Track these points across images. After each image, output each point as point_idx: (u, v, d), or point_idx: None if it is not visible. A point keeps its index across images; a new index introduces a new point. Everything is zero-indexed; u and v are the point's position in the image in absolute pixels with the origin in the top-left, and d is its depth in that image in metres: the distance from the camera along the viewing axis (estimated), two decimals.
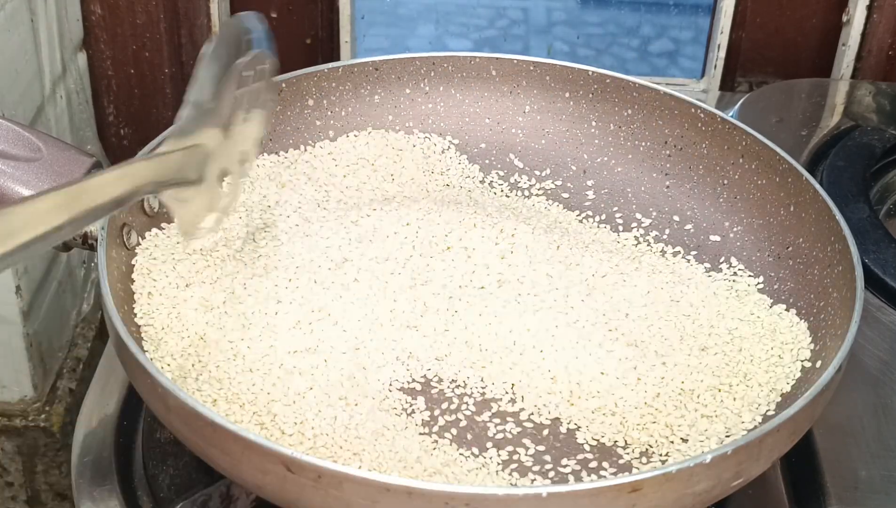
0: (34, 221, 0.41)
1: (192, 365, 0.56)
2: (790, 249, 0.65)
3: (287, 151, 0.72)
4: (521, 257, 0.65)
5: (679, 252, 0.67)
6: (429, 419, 0.55)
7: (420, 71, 0.75)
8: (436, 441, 0.54)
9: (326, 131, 0.73)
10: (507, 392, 0.57)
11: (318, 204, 0.68)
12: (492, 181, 0.73)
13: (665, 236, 0.69)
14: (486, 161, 0.74)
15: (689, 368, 0.58)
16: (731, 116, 0.70)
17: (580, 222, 0.70)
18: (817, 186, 0.63)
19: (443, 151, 0.74)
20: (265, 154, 0.71)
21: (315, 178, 0.70)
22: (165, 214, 0.64)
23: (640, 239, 0.68)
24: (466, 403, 0.56)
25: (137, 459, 0.61)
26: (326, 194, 0.69)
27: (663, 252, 0.67)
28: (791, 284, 0.63)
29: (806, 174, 0.64)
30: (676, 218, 0.70)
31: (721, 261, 0.67)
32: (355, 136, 0.73)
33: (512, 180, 0.73)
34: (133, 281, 0.59)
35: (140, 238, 0.61)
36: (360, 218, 0.66)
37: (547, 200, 0.71)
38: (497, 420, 0.55)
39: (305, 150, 0.72)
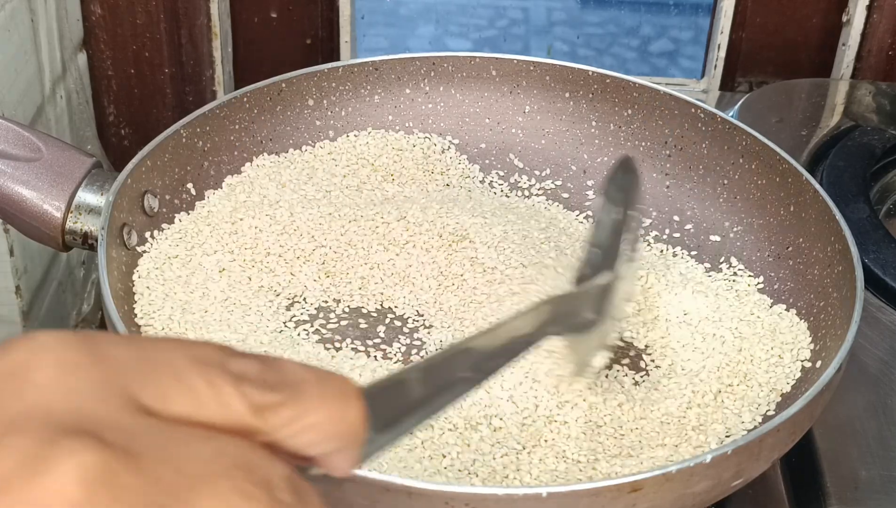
0: (445, 375, 0.35)
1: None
2: (790, 249, 0.65)
3: (287, 151, 0.72)
4: (521, 258, 0.65)
5: (679, 252, 0.67)
6: None
7: (420, 71, 0.75)
8: None
9: (326, 131, 0.73)
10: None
11: (318, 204, 0.68)
12: (492, 181, 0.73)
13: (665, 236, 0.69)
14: (486, 161, 0.74)
15: (688, 369, 0.58)
16: (731, 116, 0.70)
17: (580, 222, 0.70)
18: (817, 186, 0.63)
19: (443, 151, 0.74)
20: (265, 154, 0.71)
21: (315, 178, 0.70)
22: (165, 214, 0.64)
23: (640, 239, 0.68)
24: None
25: None
26: (327, 193, 0.69)
27: (663, 252, 0.67)
28: (791, 284, 0.63)
29: (806, 174, 0.64)
30: (676, 218, 0.70)
31: (721, 261, 0.67)
32: (355, 136, 0.74)
33: (512, 180, 0.73)
34: (133, 282, 0.60)
35: (141, 239, 0.61)
36: (360, 218, 0.66)
37: (547, 200, 0.71)
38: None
39: (305, 150, 0.72)
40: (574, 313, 0.49)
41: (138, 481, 0.25)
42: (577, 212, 0.70)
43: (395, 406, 0.32)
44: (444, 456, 0.52)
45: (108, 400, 0.27)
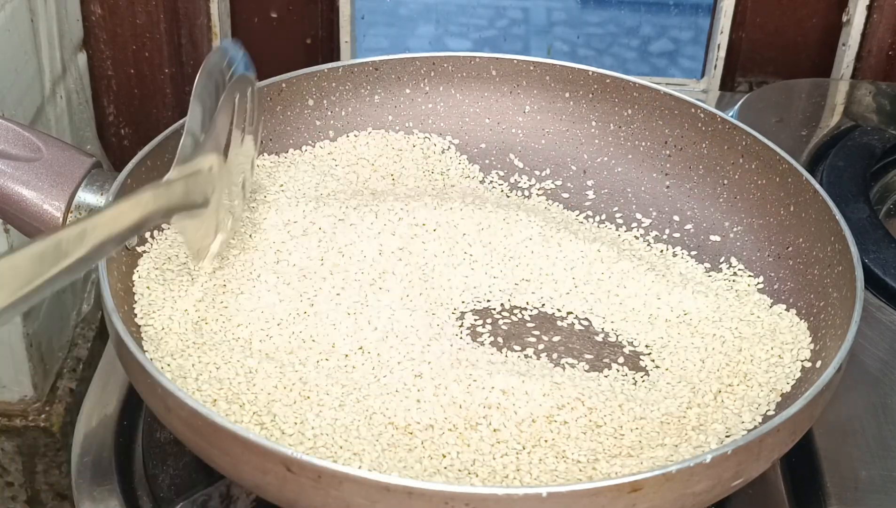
0: (55, 256, 0.42)
1: (192, 365, 0.56)
2: (790, 249, 0.65)
3: (287, 152, 0.72)
4: (521, 257, 0.65)
5: (679, 252, 0.67)
6: None
7: (420, 71, 0.75)
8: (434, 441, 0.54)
9: (326, 131, 0.73)
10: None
11: (318, 204, 0.68)
12: (492, 181, 0.73)
13: (665, 236, 0.69)
14: (486, 161, 0.74)
15: (688, 368, 0.58)
16: (731, 116, 0.70)
17: (580, 222, 0.70)
18: (817, 186, 0.63)
19: (443, 151, 0.74)
20: (265, 154, 0.71)
21: (315, 178, 0.70)
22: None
23: (640, 239, 0.68)
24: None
25: (137, 459, 0.61)
26: (327, 194, 0.69)
27: (663, 252, 0.67)
28: (791, 284, 0.63)
29: (806, 174, 0.64)
30: (676, 218, 0.70)
31: (721, 261, 0.67)
32: (355, 136, 0.74)
33: (512, 180, 0.73)
34: (133, 282, 0.60)
35: (141, 239, 0.61)
36: (361, 218, 0.66)
37: (547, 200, 0.71)
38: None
39: (305, 150, 0.72)
40: (177, 199, 0.52)
41: None
42: (577, 212, 0.70)
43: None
44: (444, 456, 0.52)
45: None
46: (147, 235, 0.62)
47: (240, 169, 0.60)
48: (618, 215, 0.70)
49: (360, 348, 0.58)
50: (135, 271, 0.60)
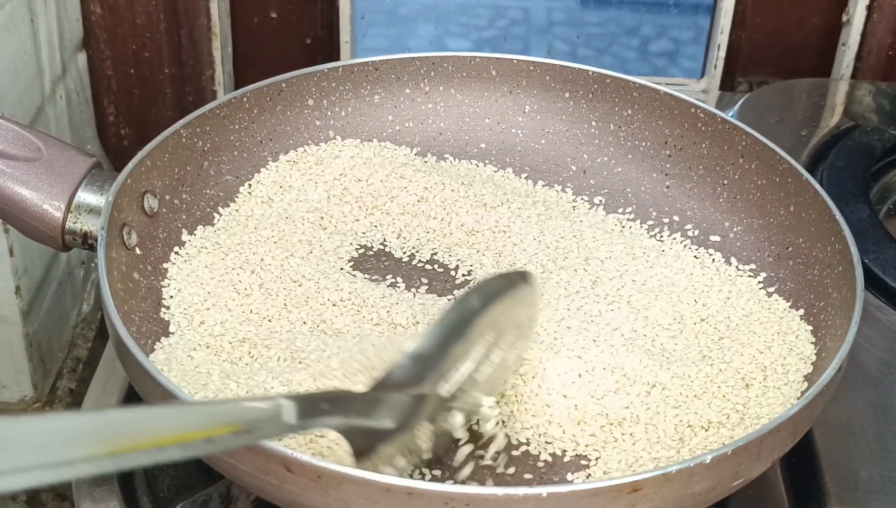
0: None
1: (196, 367, 0.56)
2: (790, 249, 0.65)
3: (287, 152, 0.72)
4: (521, 260, 0.65)
5: (679, 252, 0.67)
6: None
7: (420, 71, 0.75)
8: None
9: (326, 131, 0.73)
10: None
11: (318, 204, 0.68)
12: (492, 181, 0.73)
13: (665, 237, 0.69)
14: (486, 161, 0.74)
15: (688, 369, 0.58)
16: (731, 116, 0.70)
17: (580, 221, 0.70)
18: (817, 186, 0.63)
19: (442, 153, 0.74)
20: (265, 155, 0.71)
21: (315, 178, 0.70)
22: (165, 214, 0.64)
23: (640, 239, 0.68)
24: None
25: None
26: (327, 194, 0.69)
27: (664, 252, 0.67)
28: (791, 284, 0.63)
29: (806, 174, 0.64)
30: (676, 218, 0.70)
31: (721, 261, 0.67)
32: (354, 139, 0.74)
33: (512, 180, 0.73)
34: (133, 283, 0.59)
35: (142, 240, 0.61)
36: (361, 218, 0.66)
37: (546, 200, 0.71)
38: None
39: (305, 150, 0.72)
40: (364, 415, 0.47)
41: None
42: (576, 212, 0.70)
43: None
44: None
45: None
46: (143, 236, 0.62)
47: (457, 403, 0.51)
48: (618, 214, 0.70)
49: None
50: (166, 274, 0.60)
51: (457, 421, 0.51)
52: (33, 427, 0.35)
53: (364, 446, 0.47)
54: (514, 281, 0.53)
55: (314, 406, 0.44)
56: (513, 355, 0.54)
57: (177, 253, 0.63)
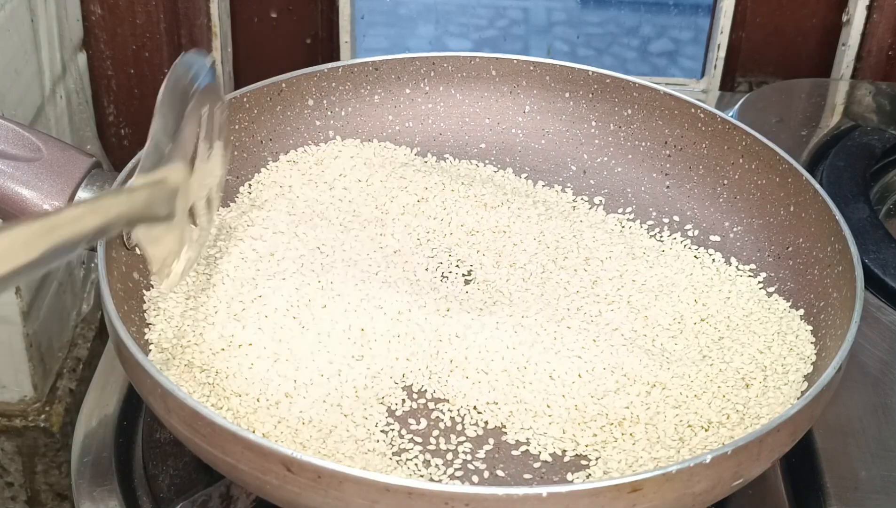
0: (8, 254, 0.40)
1: (200, 369, 0.56)
2: (790, 249, 0.65)
3: (287, 152, 0.72)
4: (521, 260, 0.65)
5: (679, 253, 0.67)
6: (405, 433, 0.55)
7: (420, 71, 0.75)
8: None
9: (326, 131, 0.73)
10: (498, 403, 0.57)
11: (318, 204, 0.68)
12: (492, 181, 0.73)
13: (665, 237, 0.69)
14: (486, 161, 0.74)
15: (688, 369, 0.58)
16: (731, 116, 0.70)
17: (580, 221, 0.70)
18: (817, 186, 0.63)
19: (442, 153, 0.74)
20: (265, 155, 0.71)
21: (315, 178, 0.70)
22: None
23: (640, 239, 0.68)
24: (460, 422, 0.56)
25: (137, 459, 0.61)
26: (329, 193, 0.69)
27: (664, 253, 0.67)
28: (791, 284, 0.63)
29: (806, 174, 0.64)
30: (676, 218, 0.70)
31: (721, 261, 0.67)
32: (354, 139, 0.74)
33: (512, 180, 0.73)
34: (133, 283, 0.59)
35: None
36: (362, 218, 0.66)
37: (546, 200, 0.71)
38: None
39: (305, 150, 0.72)
40: (140, 208, 0.49)
41: None
42: (576, 212, 0.70)
43: None
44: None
45: None
46: None
47: (206, 184, 0.58)
48: (618, 214, 0.70)
49: (359, 357, 0.58)
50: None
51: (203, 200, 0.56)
52: None
53: (156, 251, 0.52)
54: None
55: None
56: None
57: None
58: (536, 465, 0.54)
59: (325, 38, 0.97)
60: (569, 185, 0.72)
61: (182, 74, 0.54)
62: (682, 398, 0.56)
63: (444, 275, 0.64)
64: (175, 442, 0.60)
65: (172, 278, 0.55)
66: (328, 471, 0.45)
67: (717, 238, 0.68)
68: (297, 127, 0.72)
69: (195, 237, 0.57)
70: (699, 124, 0.71)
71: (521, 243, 0.66)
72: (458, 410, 0.56)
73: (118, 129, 0.97)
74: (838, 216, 0.61)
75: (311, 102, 0.73)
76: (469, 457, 0.54)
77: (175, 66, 0.54)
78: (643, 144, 0.73)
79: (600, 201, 0.71)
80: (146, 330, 0.58)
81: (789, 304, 0.62)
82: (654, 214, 0.70)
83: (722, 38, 0.96)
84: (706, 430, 0.55)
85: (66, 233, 0.43)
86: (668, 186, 0.72)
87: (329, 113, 0.73)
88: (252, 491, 0.55)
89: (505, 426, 0.55)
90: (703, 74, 0.99)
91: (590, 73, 0.74)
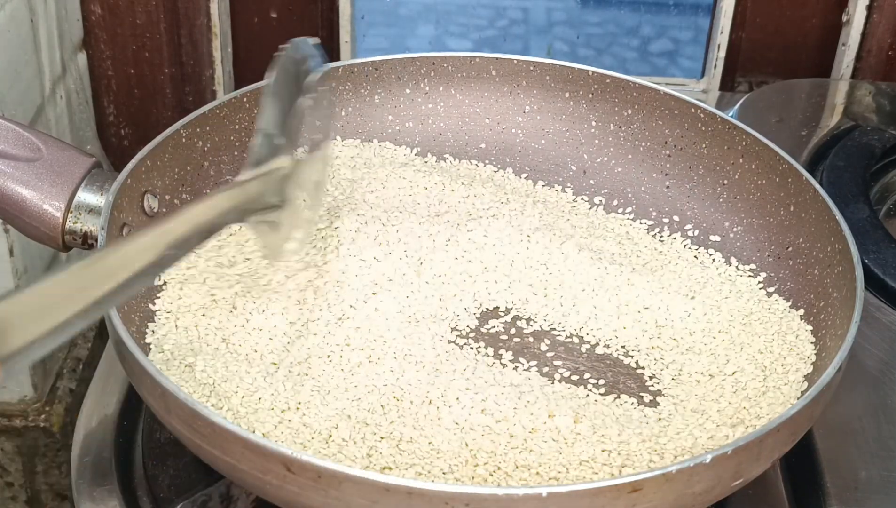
0: (131, 260, 0.42)
1: (202, 369, 0.56)
2: (790, 249, 0.65)
3: None
4: (522, 261, 0.65)
5: (679, 253, 0.67)
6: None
7: (420, 71, 0.75)
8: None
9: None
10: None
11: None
12: (492, 181, 0.73)
13: (665, 237, 0.69)
14: (486, 161, 0.74)
15: (688, 369, 0.58)
16: (731, 116, 0.70)
17: (580, 221, 0.70)
18: (817, 186, 0.63)
19: (442, 153, 0.74)
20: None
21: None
22: (165, 214, 0.64)
23: (640, 240, 0.68)
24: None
25: (137, 459, 0.61)
26: (330, 194, 0.69)
27: (663, 253, 0.67)
28: (791, 284, 0.63)
29: (806, 174, 0.64)
30: (676, 218, 0.70)
31: (721, 261, 0.67)
32: (354, 139, 0.74)
33: (512, 180, 0.73)
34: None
35: None
36: (363, 219, 0.66)
37: (546, 200, 0.71)
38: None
39: (305, 150, 0.72)
40: (252, 200, 0.51)
41: None
42: (576, 211, 0.70)
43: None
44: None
45: None
46: None
47: (316, 168, 0.58)
48: (618, 214, 0.70)
49: (359, 360, 0.58)
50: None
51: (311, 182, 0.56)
52: (31, 299, 0.38)
53: (269, 237, 0.54)
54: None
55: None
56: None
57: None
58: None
59: (325, 38, 0.97)
60: (569, 185, 0.72)
61: (290, 60, 0.55)
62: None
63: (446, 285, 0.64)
64: (175, 442, 0.60)
65: (285, 257, 0.57)
66: (328, 471, 0.45)
67: (717, 238, 0.68)
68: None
69: (305, 217, 0.58)
70: (699, 124, 0.71)
71: (523, 242, 0.66)
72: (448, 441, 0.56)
73: (118, 129, 0.97)
74: (838, 216, 0.61)
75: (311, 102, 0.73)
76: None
77: (283, 51, 0.54)
78: (643, 144, 0.73)
79: (600, 201, 0.71)
80: (146, 330, 0.58)
81: (789, 304, 0.62)
82: (654, 214, 0.70)
83: (722, 39, 0.96)
84: (706, 430, 0.55)
85: (180, 232, 0.45)
86: (668, 186, 0.72)
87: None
88: (252, 491, 0.55)
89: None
90: (703, 74, 0.99)
91: (590, 73, 0.74)
